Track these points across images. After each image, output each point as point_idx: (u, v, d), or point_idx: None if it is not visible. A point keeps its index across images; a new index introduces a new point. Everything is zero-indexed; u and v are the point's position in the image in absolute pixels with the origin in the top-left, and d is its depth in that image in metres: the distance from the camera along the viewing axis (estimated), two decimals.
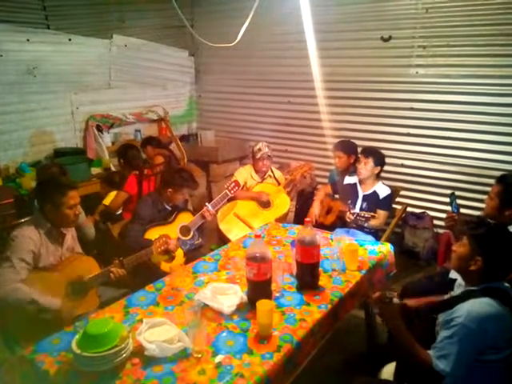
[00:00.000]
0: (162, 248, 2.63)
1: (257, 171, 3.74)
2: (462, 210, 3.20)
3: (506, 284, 1.72)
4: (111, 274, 2.20)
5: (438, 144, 3.90)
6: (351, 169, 3.44)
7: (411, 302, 2.06)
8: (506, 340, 1.59)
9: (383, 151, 3.33)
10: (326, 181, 4.11)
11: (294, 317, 1.81)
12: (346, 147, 3.55)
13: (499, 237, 1.68)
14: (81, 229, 2.53)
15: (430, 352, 1.64)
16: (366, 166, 3.15)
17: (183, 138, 5.50)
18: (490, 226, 1.74)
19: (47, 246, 2.16)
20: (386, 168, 3.34)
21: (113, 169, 4.34)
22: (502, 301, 1.60)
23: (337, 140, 3.80)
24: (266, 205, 3.61)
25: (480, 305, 1.57)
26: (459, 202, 2.74)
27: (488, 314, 1.55)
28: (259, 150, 3.64)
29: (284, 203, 3.63)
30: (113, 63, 4.75)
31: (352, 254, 2.23)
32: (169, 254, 2.80)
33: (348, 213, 3.04)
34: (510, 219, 2.23)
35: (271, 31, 4.71)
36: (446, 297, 1.91)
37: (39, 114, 4.23)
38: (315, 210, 3.36)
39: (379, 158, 3.18)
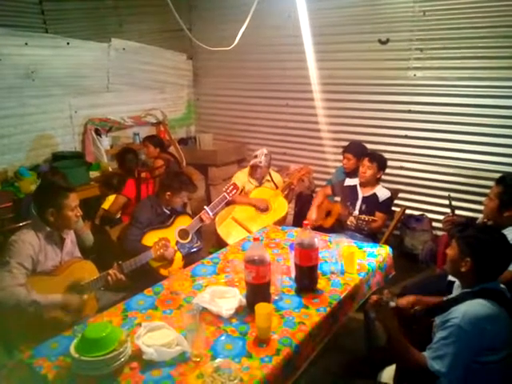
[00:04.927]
0: (161, 251, 2.63)
1: (252, 176, 3.76)
2: (460, 212, 3.21)
3: (502, 285, 1.72)
4: (109, 278, 2.20)
5: (436, 146, 3.91)
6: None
7: (403, 301, 2.06)
8: (503, 341, 1.59)
9: (382, 154, 3.35)
10: (324, 183, 4.11)
11: (292, 320, 1.81)
12: (356, 150, 3.54)
13: (486, 237, 1.68)
14: (79, 235, 2.53)
15: (425, 353, 1.65)
16: (371, 171, 3.18)
17: (182, 142, 5.50)
18: (477, 227, 1.74)
19: (46, 250, 2.15)
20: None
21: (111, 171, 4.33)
22: (498, 302, 1.60)
23: (336, 143, 3.82)
24: (264, 209, 3.61)
25: (476, 306, 1.58)
26: (457, 203, 2.75)
27: (484, 315, 1.56)
28: (255, 156, 3.68)
29: (282, 207, 3.63)
30: (111, 67, 4.75)
31: (351, 256, 2.22)
32: (166, 261, 2.80)
33: (351, 217, 3.06)
34: (509, 221, 2.23)
35: (269, 34, 4.71)
36: (444, 299, 1.91)
37: (38, 117, 4.22)
38: (312, 215, 3.37)
39: (383, 164, 3.24)
